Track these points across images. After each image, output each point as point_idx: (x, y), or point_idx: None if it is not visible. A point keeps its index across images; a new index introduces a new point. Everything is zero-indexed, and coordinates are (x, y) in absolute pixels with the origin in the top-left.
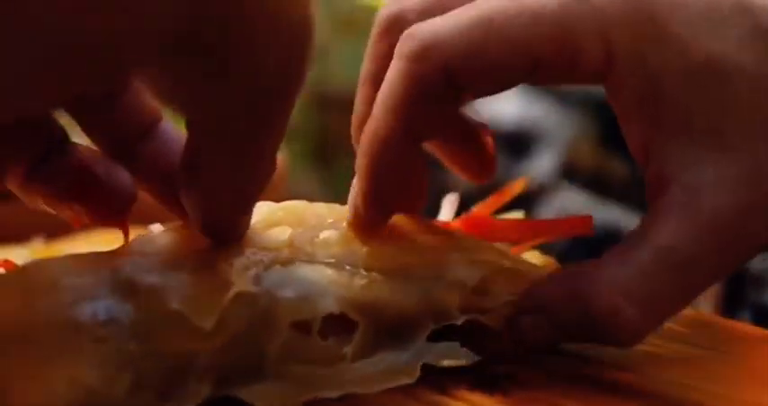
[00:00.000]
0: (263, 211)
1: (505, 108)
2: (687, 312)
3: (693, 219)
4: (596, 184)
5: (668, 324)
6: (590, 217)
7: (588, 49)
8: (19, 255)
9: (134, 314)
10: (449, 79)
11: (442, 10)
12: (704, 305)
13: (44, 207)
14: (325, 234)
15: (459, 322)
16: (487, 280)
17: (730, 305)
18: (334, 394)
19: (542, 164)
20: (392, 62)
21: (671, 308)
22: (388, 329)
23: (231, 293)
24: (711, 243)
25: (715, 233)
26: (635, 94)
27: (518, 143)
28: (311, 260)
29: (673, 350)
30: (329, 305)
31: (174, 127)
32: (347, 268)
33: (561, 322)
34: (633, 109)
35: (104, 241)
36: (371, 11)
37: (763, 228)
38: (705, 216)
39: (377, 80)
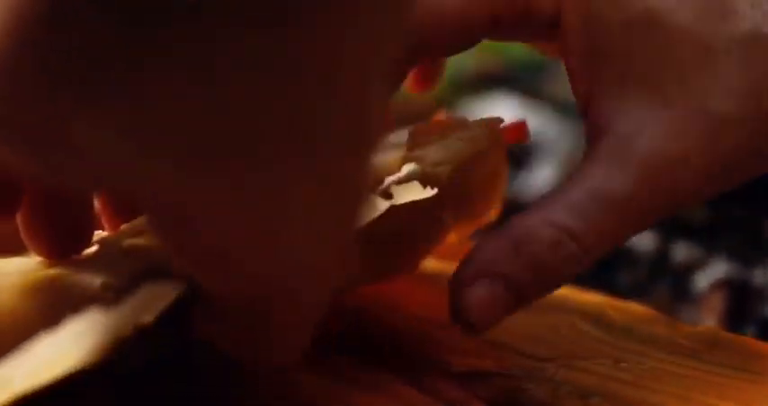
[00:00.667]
0: None
1: (505, 119)
2: (700, 327)
3: (625, 164)
4: None
5: (680, 340)
6: (523, 123)
7: (540, 2)
8: None
9: None
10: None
11: None
12: (708, 319)
13: None
14: None
15: None
16: None
17: (735, 319)
18: None
19: (542, 175)
20: None
21: (610, 243)
22: None
23: None
24: (642, 187)
25: (646, 177)
26: (578, 49)
27: (518, 154)
28: None
29: (686, 367)
30: None
31: None
32: None
33: (515, 281)
34: (577, 65)
35: None
36: None
37: (691, 179)
38: (636, 161)
39: None
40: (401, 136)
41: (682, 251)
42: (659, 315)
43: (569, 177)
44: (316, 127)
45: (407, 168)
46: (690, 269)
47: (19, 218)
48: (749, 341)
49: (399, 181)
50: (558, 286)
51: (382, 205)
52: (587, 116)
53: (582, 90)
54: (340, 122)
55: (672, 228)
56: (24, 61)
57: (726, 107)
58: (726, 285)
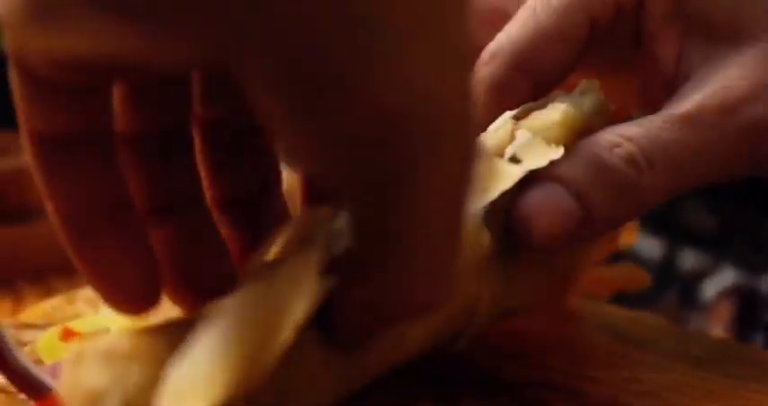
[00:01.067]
0: None
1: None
2: (712, 338)
3: (695, 92)
4: None
5: (693, 351)
6: None
7: None
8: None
9: None
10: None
11: None
12: (716, 327)
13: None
14: None
15: None
16: None
17: (743, 327)
18: None
19: None
20: None
21: (675, 161)
22: None
23: None
24: (710, 104)
25: (713, 97)
26: (663, 9)
27: None
28: None
29: (699, 378)
30: None
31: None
32: None
33: (575, 182)
34: (664, 25)
35: None
36: None
37: (760, 106)
38: (706, 86)
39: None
40: (504, 118)
41: (689, 259)
42: (672, 327)
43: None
44: None
45: (521, 136)
46: (697, 276)
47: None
48: (760, 352)
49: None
50: (629, 200)
51: (516, 170)
52: (675, 78)
53: (668, 55)
54: None
55: (679, 236)
56: None
57: None
58: (734, 293)
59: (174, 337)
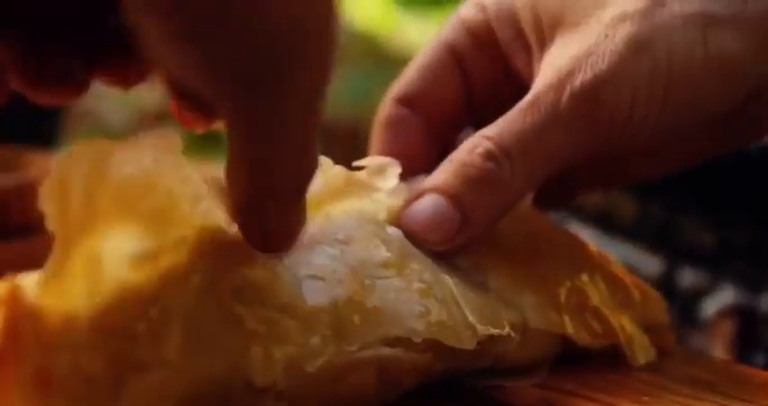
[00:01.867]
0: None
1: None
2: (717, 360)
3: (541, 78)
4: (603, 222)
5: (699, 373)
6: None
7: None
8: None
9: None
10: None
11: None
12: (717, 347)
13: None
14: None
15: None
16: None
17: (743, 348)
18: None
19: None
20: None
21: (527, 147)
22: None
23: None
24: (548, 88)
25: (552, 79)
26: (509, 32)
27: None
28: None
29: (705, 400)
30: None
31: None
32: None
33: (446, 186)
34: (511, 35)
35: None
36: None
37: (602, 66)
38: (549, 71)
39: None
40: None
41: (688, 277)
42: (677, 348)
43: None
44: None
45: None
46: (697, 294)
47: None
48: (764, 374)
49: None
50: (497, 196)
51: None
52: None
53: (524, 66)
54: None
55: (678, 254)
56: None
57: (620, 7)
58: (734, 311)
59: None
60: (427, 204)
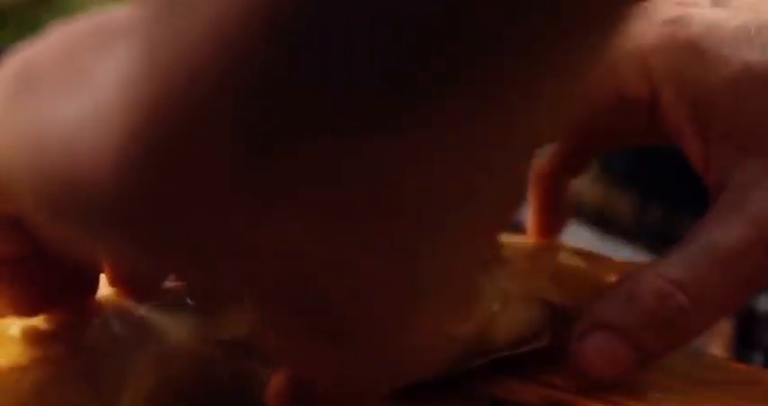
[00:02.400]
0: None
1: None
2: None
3: (739, 216)
4: (602, 222)
5: (705, 373)
6: None
7: (632, 81)
8: None
9: None
10: None
11: None
12: (715, 346)
13: None
14: None
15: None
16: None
17: (742, 347)
18: None
19: None
20: None
21: (721, 300)
22: None
23: None
24: (753, 238)
25: (756, 228)
26: (683, 113)
27: None
28: None
29: (706, 398)
30: None
31: None
32: None
33: (627, 330)
34: (686, 127)
35: None
36: None
37: None
38: (750, 212)
39: None
40: None
41: None
42: (685, 348)
43: (690, 233)
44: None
45: None
46: None
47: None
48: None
49: None
50: (679, 339)
51: None
52: (706, 175)
53: (696, 153)
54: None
55: None
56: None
57: None
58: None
59: None
60: (602, 341)
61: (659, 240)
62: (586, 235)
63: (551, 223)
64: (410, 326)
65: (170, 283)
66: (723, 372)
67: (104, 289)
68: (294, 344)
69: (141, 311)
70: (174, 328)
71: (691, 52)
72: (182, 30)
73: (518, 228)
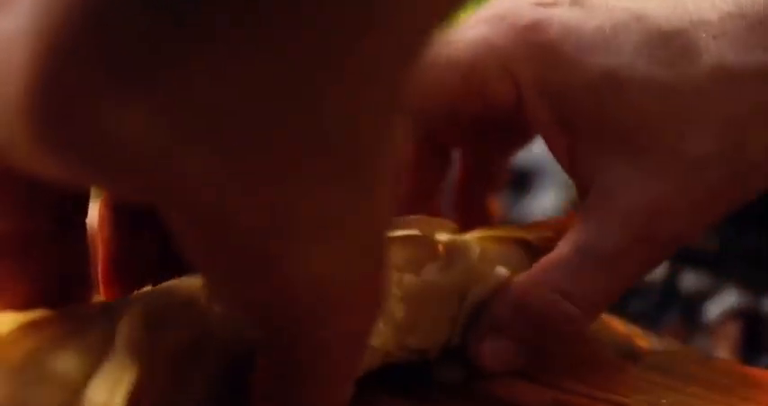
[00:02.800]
0: None
1: None
2: (732, 364)
3: (609, 218)
4: None
5: (714, 376)
6: None
7: (495, 85)
8: None
9: None
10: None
11: None
12: (722, 349)
13: None
14: None
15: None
16: None
17: (748, 350)
18: None
19: (545, 201)
20: None
21: (605, 300)
22: None
23: None
24: (628, 238)
25: (630, 227)
26: (547, 115)
27: (520, 180)
28: None
29: (720, 403)
30: None
31: None
32: None
33: (519, 337)
34: (551, 129)
35: None
36: None
37: (682, 219)
38: (619, 213)
39: None
40: None
41: (691, 280)
42: (691, 350)
43: (565, 238)
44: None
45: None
46: (700, 298)
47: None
48: None
49: None
50: (568, 340)
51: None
52: (571, 174)
53: (562, 154)
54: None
55: (681, 257)
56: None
57: (702, 146)
58: (737, 314)
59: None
60: (499, 345)
61: None
62: None
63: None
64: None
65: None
66: (729, 374)
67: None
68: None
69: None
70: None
71: (551, 58)
72: None
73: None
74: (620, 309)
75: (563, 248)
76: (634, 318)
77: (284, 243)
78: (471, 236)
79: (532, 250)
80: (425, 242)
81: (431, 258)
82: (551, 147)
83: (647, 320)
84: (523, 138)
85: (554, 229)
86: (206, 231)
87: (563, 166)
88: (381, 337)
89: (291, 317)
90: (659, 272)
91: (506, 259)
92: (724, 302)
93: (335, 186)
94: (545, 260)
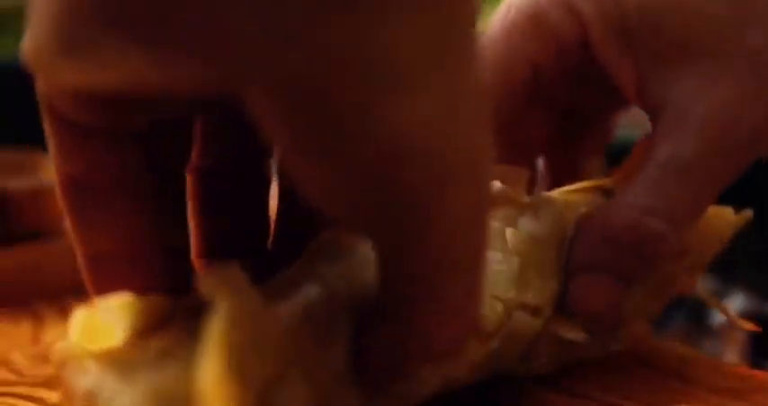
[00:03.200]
0: None
1: None
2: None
3: (684, 129)
4: None
5: (725, 382)
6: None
7: (563, 27)
8: None
9: None
10: None
11: None
12: (730, 353)
13: None
14: None
15: None
16: None
17: (757, 354)
18: None
19: None
20: None
21: (691, 211)
22: None
23: None
24: (706, 144)
25: (706, 132)
26: (613, 47)
27: None
28: None
29: None
30: None
31: None
32: None
33: (609, 265)
34: (616, 57)
35: None
36: None
37: (758, 117)
38: (694, 121)
39: None
40: None
41: (699, 284)
42: (702, 355)
43: (640, 158)
44: None
45: None
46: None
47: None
48: None
49: None
50: (661, 260)
51: None
52: (642, 102)
53: (630, 82)
54: None
55: None
56: None
57: (765, 38)
58: (744, 318)
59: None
60: (593, 282)
61: None
62: None
63: None
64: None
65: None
66: (740, 379)
67: None
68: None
69: None
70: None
71: None
72: None
73: None
74: None
75: (644, 166)
76: None
77: (383, 93)
78: (551, 192)
79: (611, 194)
80: (511, 195)
81: (519, 211)
82: (621, 83)
83: (655, 324)
84: (611, 98)
85: (629, 169)
86: (296, 107)
87: (632, 95)
88: (497, 308)
89: (395, 193)
90: None
91: (589, 205)
92: (731, 306)
93: (421, 16)
94: (627, 183)
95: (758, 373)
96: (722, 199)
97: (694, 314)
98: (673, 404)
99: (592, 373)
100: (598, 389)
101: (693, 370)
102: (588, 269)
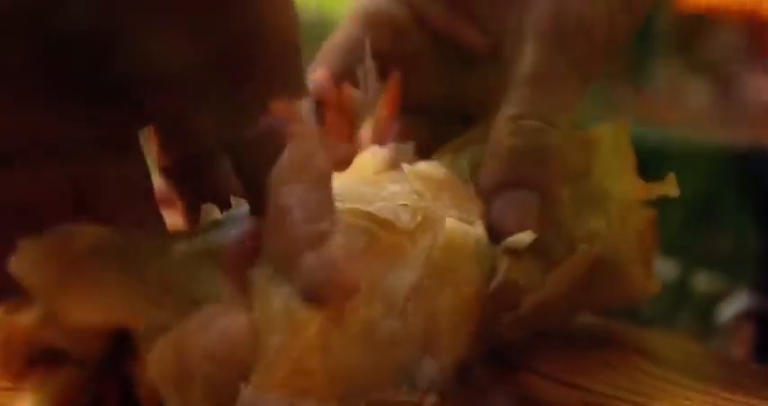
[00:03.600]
0: None
1: None
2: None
3: (527, 39)
4: None
5: (738, 377)
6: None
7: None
8: None
9: None
10: None
11: None
12: (736, 350)
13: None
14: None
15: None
16: None
17: (762, 351)
18: None
19: None
20: None
21: (557, 107)
22: None
23: None
24: (542, 46)
25: (540, 37)
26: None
27: None
28: None
29: (743, 403)
30: None
31: None
32: None
33: (518, 178)
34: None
35: None
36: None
37: (581, 12)
38: (531, 32)
39: None
40: None
41: (704, 282)
42: (712, 351)
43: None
44: None
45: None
46: (713, 299)
47: None
48: None
49: None
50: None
51: None
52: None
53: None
54: None
55: (694, 258)
56: None
57: None
58: (750, 316)
59: None
60: (515, 201)
61: (675, 244)
62: None
63: None
64: None
65: None
66: (746, 374)
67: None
68: None
69: None
70: None
71: None
72: None
73: None
74: (631, 309)
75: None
76: (647, 319)
77: None
78: None
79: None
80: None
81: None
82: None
83: (661, 321)
84: None
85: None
86: None
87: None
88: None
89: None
90: (672, 273)
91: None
92: (737, 304)
93: None
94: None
95: (759, 367)
96: (726, 197)
97: (700, 312)
98: (683, 400)
99: (602, 370)
100: (608, 386)
101: (698, 364)
102: (498, 190)
